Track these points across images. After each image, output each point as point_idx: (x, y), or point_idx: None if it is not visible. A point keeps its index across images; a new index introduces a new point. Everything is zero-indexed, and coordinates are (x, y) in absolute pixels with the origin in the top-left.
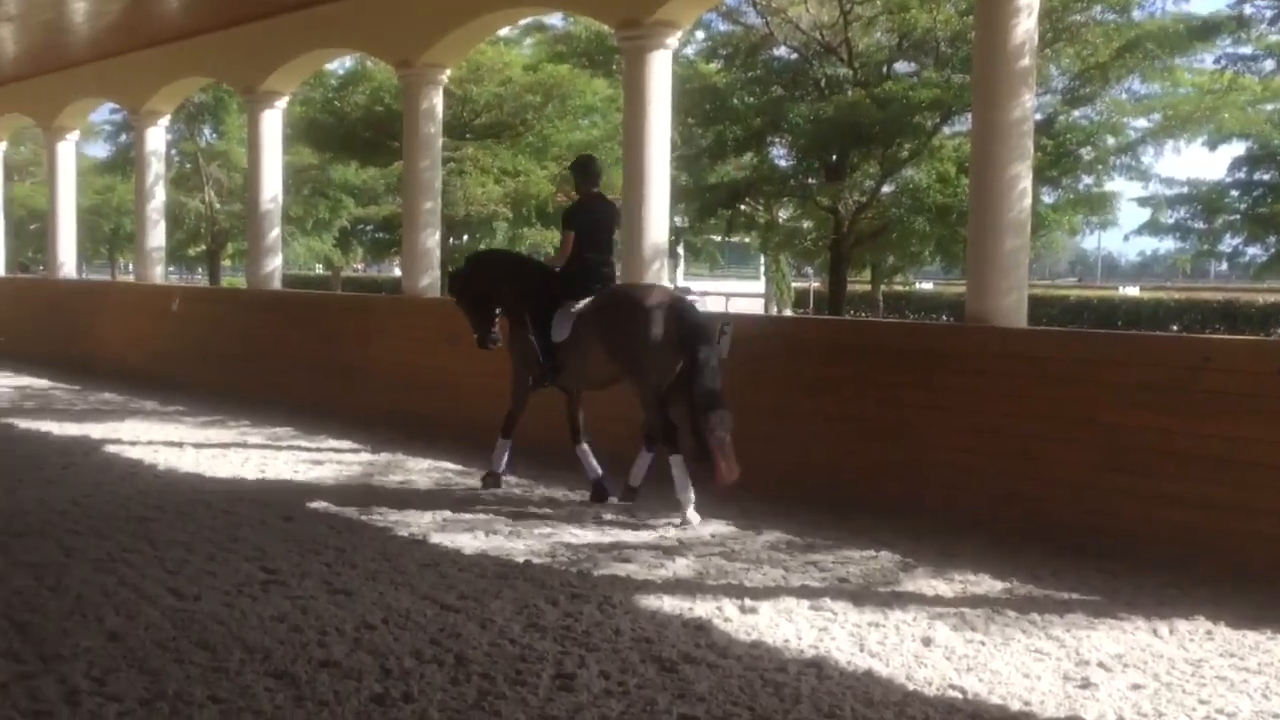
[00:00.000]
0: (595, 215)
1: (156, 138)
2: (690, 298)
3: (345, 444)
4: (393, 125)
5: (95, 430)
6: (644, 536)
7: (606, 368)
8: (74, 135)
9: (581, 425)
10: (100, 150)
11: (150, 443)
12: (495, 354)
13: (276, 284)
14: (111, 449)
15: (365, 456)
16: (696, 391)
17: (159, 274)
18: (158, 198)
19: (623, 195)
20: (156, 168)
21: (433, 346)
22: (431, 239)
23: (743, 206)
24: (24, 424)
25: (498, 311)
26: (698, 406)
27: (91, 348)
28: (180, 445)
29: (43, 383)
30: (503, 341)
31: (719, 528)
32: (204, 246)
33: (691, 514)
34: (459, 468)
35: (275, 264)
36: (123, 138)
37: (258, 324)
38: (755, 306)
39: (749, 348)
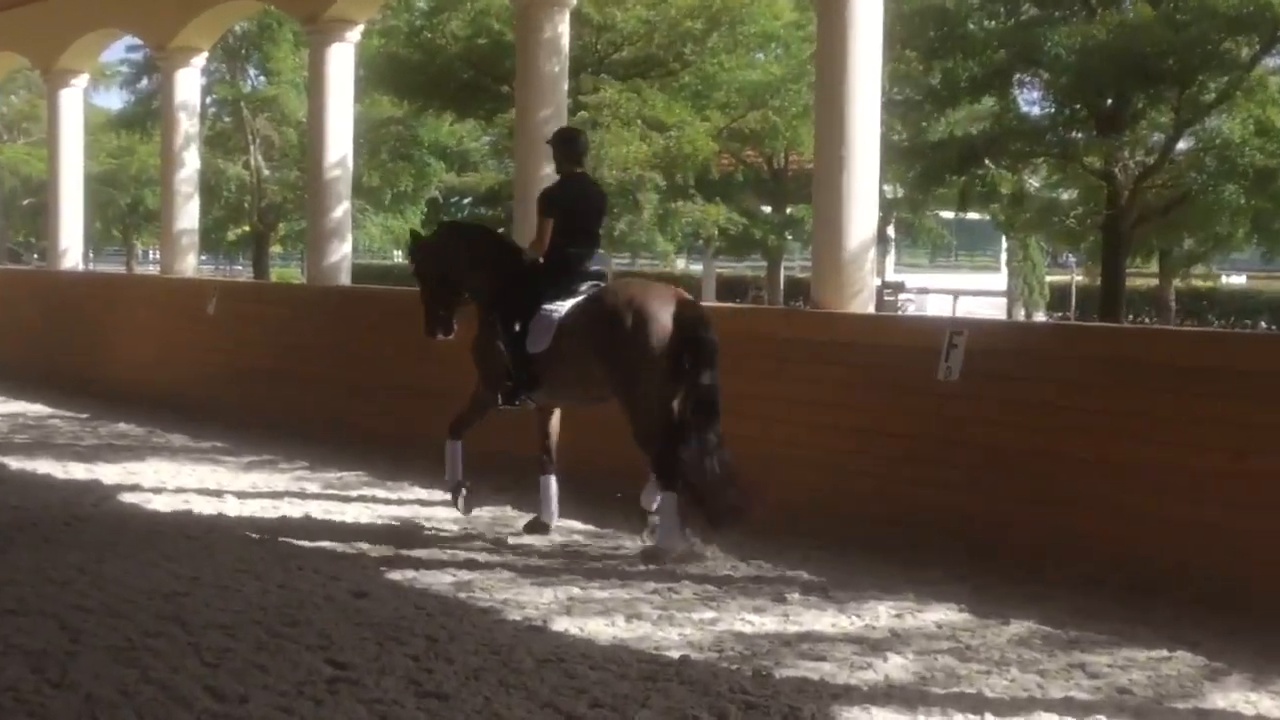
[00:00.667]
0: (579, 200)
1: (189, 83)
2: (903, 297)
3: (435, 495)
4: (501, 62)
5: (108, 473)
6: (843, 624)
7: (597, 383)
8: (81, 81)
9: (554, 449)
10: (114, 100)
11: (179, 490)
12: None
13: (344, 277)
14: (129, 498)
15: (449, 510)
16: (693, 428)
17: (190, 265)
18: (190, 164)
19: (815, 157)
20: (188, 124)
21: None
22: None
23: (980, 171)
24: (15, 464)
25: (462, 298)
26: (691, 447)
27: (102, 362)
28: (219, 494)
29: (39, 409)
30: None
31: (946, 614)
32: (247, 227)
33: (701, 547)
34: (590, 529)
35: (343, 251)
36: (144, 82)
37: (320, 332)
38: (995, 308)
39: (990, 365)
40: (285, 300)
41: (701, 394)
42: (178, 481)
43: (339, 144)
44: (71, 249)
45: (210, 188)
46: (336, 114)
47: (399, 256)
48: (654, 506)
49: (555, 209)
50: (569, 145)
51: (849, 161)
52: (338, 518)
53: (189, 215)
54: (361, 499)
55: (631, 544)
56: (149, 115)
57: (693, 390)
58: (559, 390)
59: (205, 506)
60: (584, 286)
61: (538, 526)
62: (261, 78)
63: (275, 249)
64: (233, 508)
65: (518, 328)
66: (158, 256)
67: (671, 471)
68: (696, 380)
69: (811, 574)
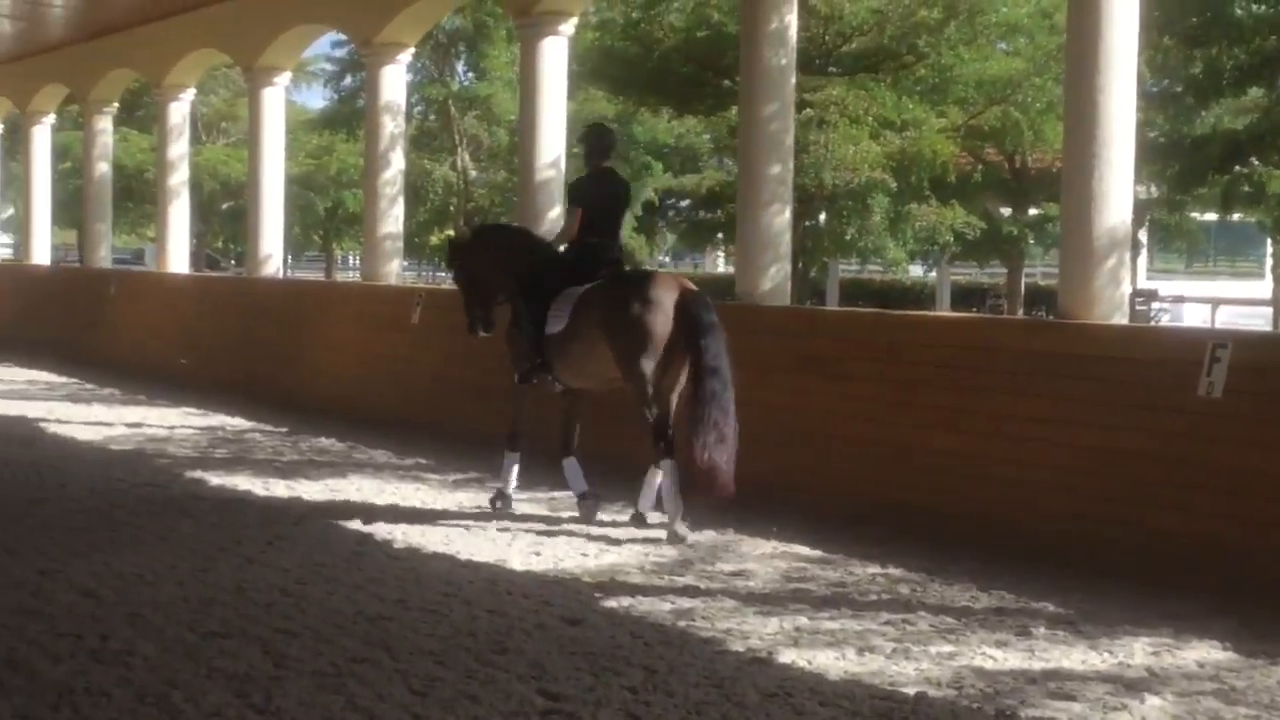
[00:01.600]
0: (605, 192)
1: (395, 81)
2: (1156, 306)
3: (653, 516)
4: (723, 56)
5: (309, 490)
6: (1094, 661)
7: (607, 362)
8: (284, 78)
9: (575, 437)
10: (315, 99)
11: (383, 509)
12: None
13: None
14: (332, 518)
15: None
16: (700, 397)
17: (394, 271)
18: (394, 165)
19: (1064, 156)
20: (393, 123)
21: (789, 378)
22: (779, 218)
23: (1245, 169)
24: (215, 480)
25: (500, 298)
26: (698, 415)
27: (303, 374)
28: (424, 514)
29: (238, 422)
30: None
31: (1208, 651)
32: (453, 232)
33: (680, 528)
34: (817, 554)
35: None
36: (347, 80)
37: None
38: (1260, 318)
39: (1257, 382)
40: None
41: (705, 365)
42: (381, 500)
43: (551, 143)
44: (273, 255)
45: (415, 190)
46: (548, 111)
47: None
48: (662, 491)
49: (583, 199)
50: (599, 141)
51: (1100, 160)
52: (548, 540)
53: (393, 219)
54: (574, 520)
55: (863, 570)
56: (352, 115)
57: (696, 364)
58: (574, 369)
59: (410, 528)
60: (601, 273)
61: (584, 508)
62: (471, 75)
63: None
64: (439, 529)
65: (540, 311)
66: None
67: (668, 442)
68: (699, 356)
69: (1057, 606)
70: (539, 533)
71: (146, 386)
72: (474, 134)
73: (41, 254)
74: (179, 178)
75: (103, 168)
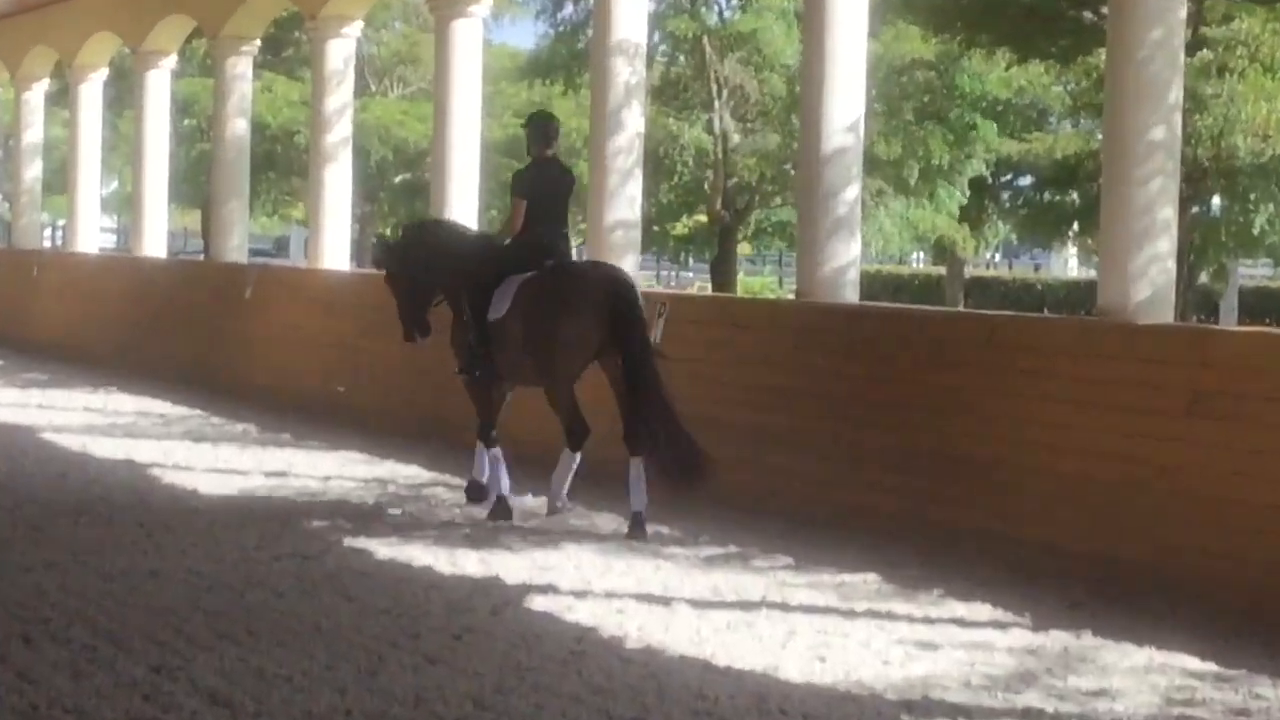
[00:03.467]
0: (549, 181)
1: (631, 12)
2: None
3: (976, 612)
4: None
5: (511, 566)
6: None
7: (534, 357)
8: (481, 8)
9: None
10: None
11: (610, 595)
12: None
13: (850, 291)
14: (540, 604)
15: (1021, 636)
16: (629, 392)
17: (629, 268)
18: (629, 126)
19: None
20: (628, 70)
21: (1171, 424)
22: (1161, 201)
23: None
24: (385, 550)
25: (436, 300)
26: (635, 413)
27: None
28: (665, 601)
29: (416, 473)
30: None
31: None
32: (705, 217)
33: (559, 503)
34: (1210, 669)
35: (850, 253)
36: (566, 11)
37: (817, 372)
38: None
39: None
40: (763, 321)
41: (631, 364)
42: (606, 582)
43: (846, 98)
44: None
45: (656, 160)
46: (843, 55)
47: (922, 259)
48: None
49: (526, 191)
50: (542, 129)
51: None
52: (836, 639)
53: (627, 200)
54: (873, 614)
55: (1274, 692)
56: (573, 58)
57: (624, 362)
58: (513, 363)
59: (648, 619)
60: (549, 262)
61: (475, 490)
62: (733, 3)
63: (743, 249)
64: (685, 622)
65: (482, 302)
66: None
67: (576, 441)
68: (625, 352)
69: None
70: (824, 630)
71: (292, 421)
72: (737, 84)
73: (155, 243)
74: (339, 139)
75: (239, 126)
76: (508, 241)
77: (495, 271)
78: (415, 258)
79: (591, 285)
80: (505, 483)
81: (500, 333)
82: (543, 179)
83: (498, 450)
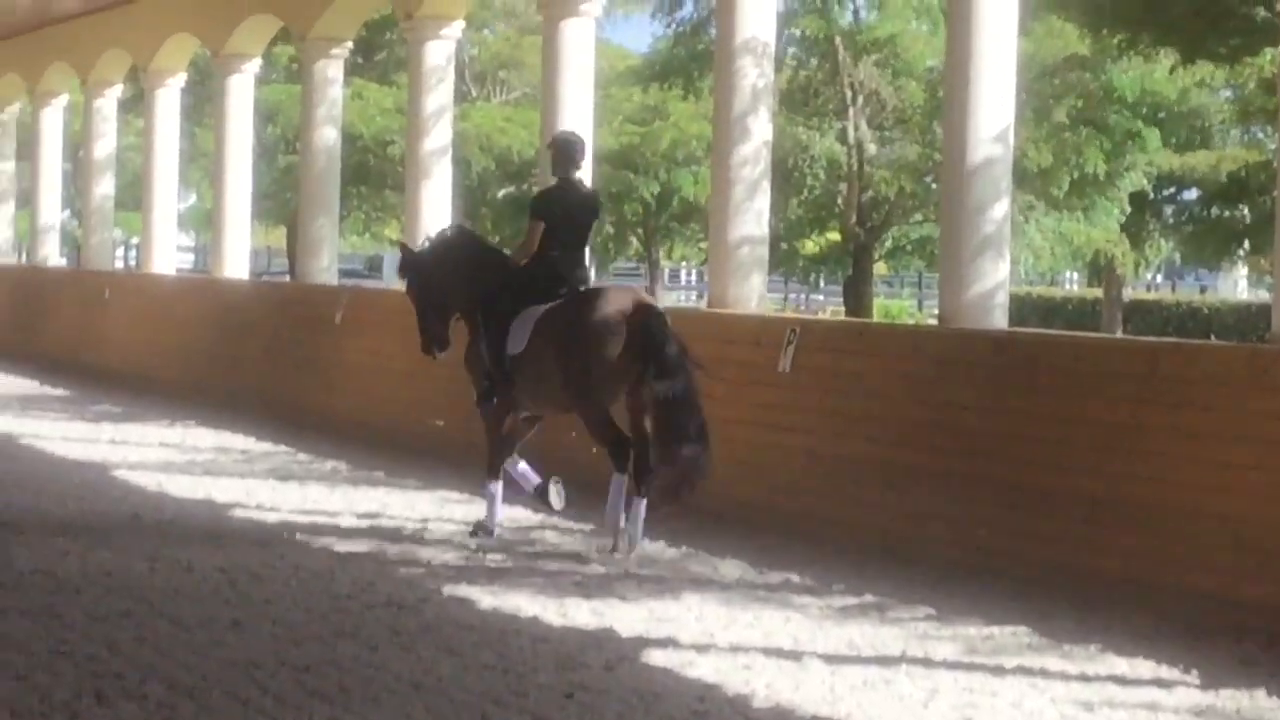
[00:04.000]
0: (569, 205)
1: (759, 13)
2: None
3: (1143, 665)
4: None
5: (626, 617)
6: None
7: (559, 384)
8: (593, 6)
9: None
10: (638, 36)
11: (735, 649)
12: None
13: (998, 315)
14: (658, 659)
15: (1188, 696)
16: (660, 397)
17: (755, 292)
18: (756, 134)
19: None
20: (755, 73)
21: None
22: None
23: None
24: (488, 599)
25: (455, 315)
26: (661, 416)
27: None
28: (796, 657)
29: (522, 515)
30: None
31: None
32: (837, 234)
33: (623, 545)
34: None
35: (998, 274)
36: (687, 8)
37: (961, 406)
38: None
39: None
40: (903, 348)
41: (661, 391)
42: (731, 635)
43: (994, 104)
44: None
45: (785, 172)
46: (991, 57)
47: (1076, 280)
48: (622, 522)
49: (545, 212)
50: (564, 150)
51: None
52: (983, 699)
53: (754, 215)
54: (1023, 671)
55: None
56: (693, 59)
57: (651, 389)
58: (532, 393)
59: (776, 675)
60: (564, 290)
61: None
62: (867, 6)
63: (879, 268)
64: (818, 679)
65: (499, 331)
66: (694, 278)
67: (626, 456)
68: (654, 379)
69: None
70: (970, 688)
71: (385, 458)
72: (873, 89)
73: (237, 263)
74: (436, 149)
75: (329, 136)
76: (523, 264)
77: (510, 299)
78: (433, 273)
79: (617, 310)
80: (499, 512)
81: (522, 365)
82: (564, 202)
83: (499, 485)
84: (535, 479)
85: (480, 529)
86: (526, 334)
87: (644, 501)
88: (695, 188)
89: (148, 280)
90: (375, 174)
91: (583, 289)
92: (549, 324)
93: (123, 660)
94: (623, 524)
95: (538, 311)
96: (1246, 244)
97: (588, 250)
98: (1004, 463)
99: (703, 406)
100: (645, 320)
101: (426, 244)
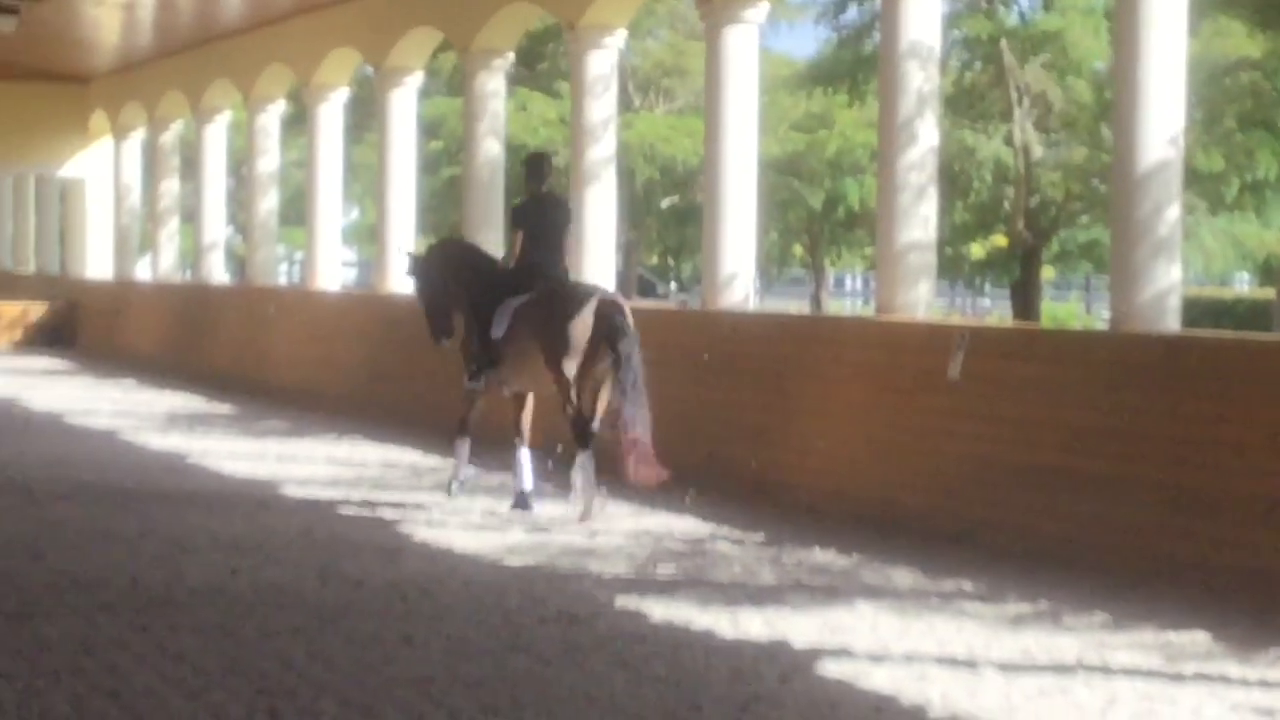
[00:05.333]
0: (545, 214)
1: (924, 14)
2: None
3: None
4: None
5: (799, 627)
6: None
7: (541, 365)
8: (758, 13)
9: (525, 429)
10: (801, 42)
11: (910, 659)
12: None
13: (1170, 318)
14: (833, 670)
15: None
16: (616, 388)
17: (923, 298)
18: (922, 140)
19: None
20: (922, 77)
21: None
22: None
23: None
24: (660, 611)
25: (451, 309)
26: (616, 405)
27: (785, 454)
28: (970, 665)
29: (691, 526)
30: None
31: None
32: (1004, 239)
33: (597, 506)
34: None
35: (1169, 278)
36: (850, 12)
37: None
38: None
39: None
40: (1074, 353)
41: (623, 369)
42: (905, 644)
43: (1165, 105)
44: (739, 276)
45: (951, 176)
46: (1161, 57)
47: (1249, 282)
48: (578, 480)
49: (524, 222)
50: (535, 168)
51: None
52: (1165, 709)
53: (921, 220)
54: (1203, 678)
55: None
56: (858, 64)
57: (615, 368)
58: (514, 370)
59: (951, 685)
60: (538, 286)
61: (520, 501)
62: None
63: (1046, 274)
64: (993, 688)
65: (485, 320)
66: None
67: (586, 436)
68: (617, 360)
69: None
70: (1148, 695)
71: (555, 470)
72: (1040, 91)
73: (401, 278)
74: (601, 158)
75: (492, 148)
76: (511, 266)
77: (495, 294)
78: (435, 275)
79: (583, 295)
80: (465, 470)
81: (503, 346)
82: (539, 212)
83: (467, 441)
84: (525, 484)
85: (454, 481)
86: (506, 321)
87: (588, 453)
88: (861, 194)
89: (312, 296)
90: None
91: (558, 284)
92: (523, 311)
93: (295, 677)
94: (579, 487)
95: (515, 303)
96: None
97: (564, 251)
98: (1178, 467)
99: (647, 381)
100: (607, 311)
101: (426, 252)
